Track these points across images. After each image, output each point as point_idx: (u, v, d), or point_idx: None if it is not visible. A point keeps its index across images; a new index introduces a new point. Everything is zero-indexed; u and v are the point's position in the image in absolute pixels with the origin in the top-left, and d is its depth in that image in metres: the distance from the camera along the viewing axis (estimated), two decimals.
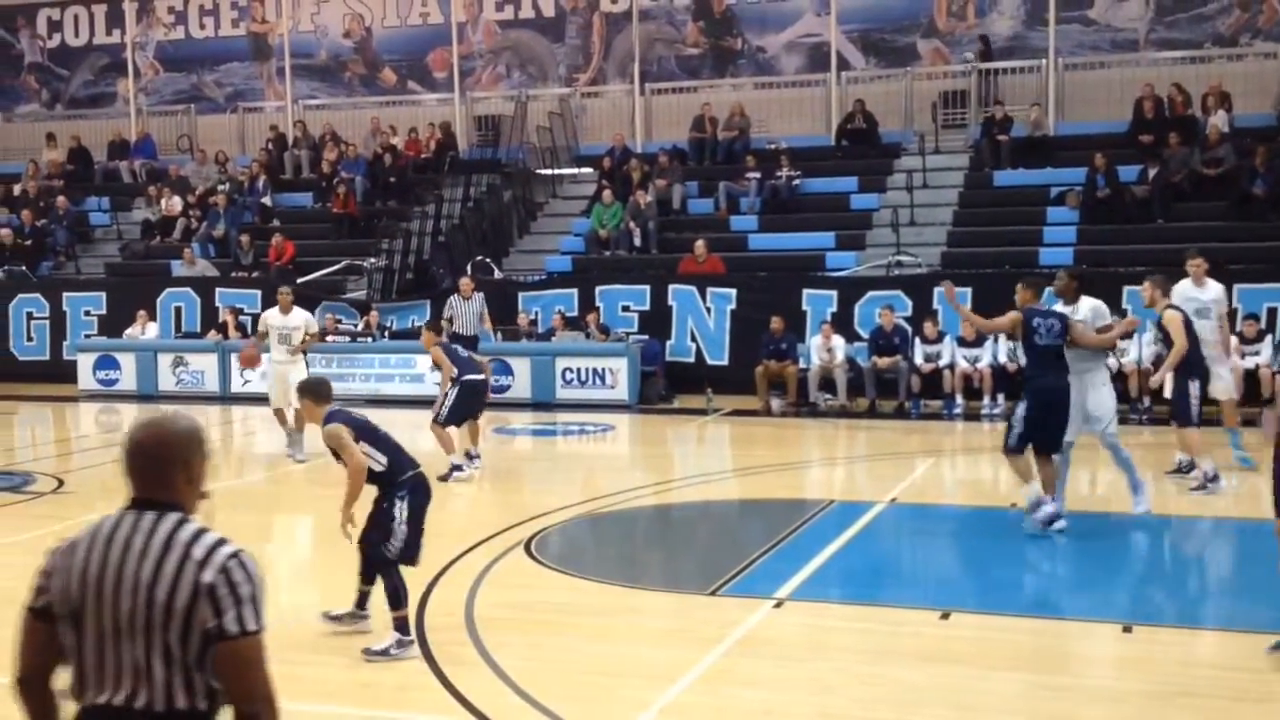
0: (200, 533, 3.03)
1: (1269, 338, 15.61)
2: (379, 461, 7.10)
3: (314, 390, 7.49)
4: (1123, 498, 10.18)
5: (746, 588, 8.14)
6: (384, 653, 6.81)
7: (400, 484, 7.08)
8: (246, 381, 19.21)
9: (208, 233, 23.15)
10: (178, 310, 21.05)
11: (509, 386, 17.74)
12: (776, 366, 17.12)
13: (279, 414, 13.76)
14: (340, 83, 27.27)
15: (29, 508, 11.14)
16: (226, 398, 19.15)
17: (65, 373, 20.20)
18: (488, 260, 21.22)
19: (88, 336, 20.88)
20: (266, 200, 24.09)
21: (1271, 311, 16.04)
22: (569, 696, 6.24)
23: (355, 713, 6.23)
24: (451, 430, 12.44)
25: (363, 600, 7.31)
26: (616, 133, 24.11)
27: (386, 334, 19.51)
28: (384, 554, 7.00)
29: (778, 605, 7.67)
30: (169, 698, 2.98)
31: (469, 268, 20.20)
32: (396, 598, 6.92)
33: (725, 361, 18.32)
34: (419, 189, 23.55)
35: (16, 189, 25.30)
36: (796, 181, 21.58)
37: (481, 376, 12.69)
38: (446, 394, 12.31)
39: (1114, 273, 17.14)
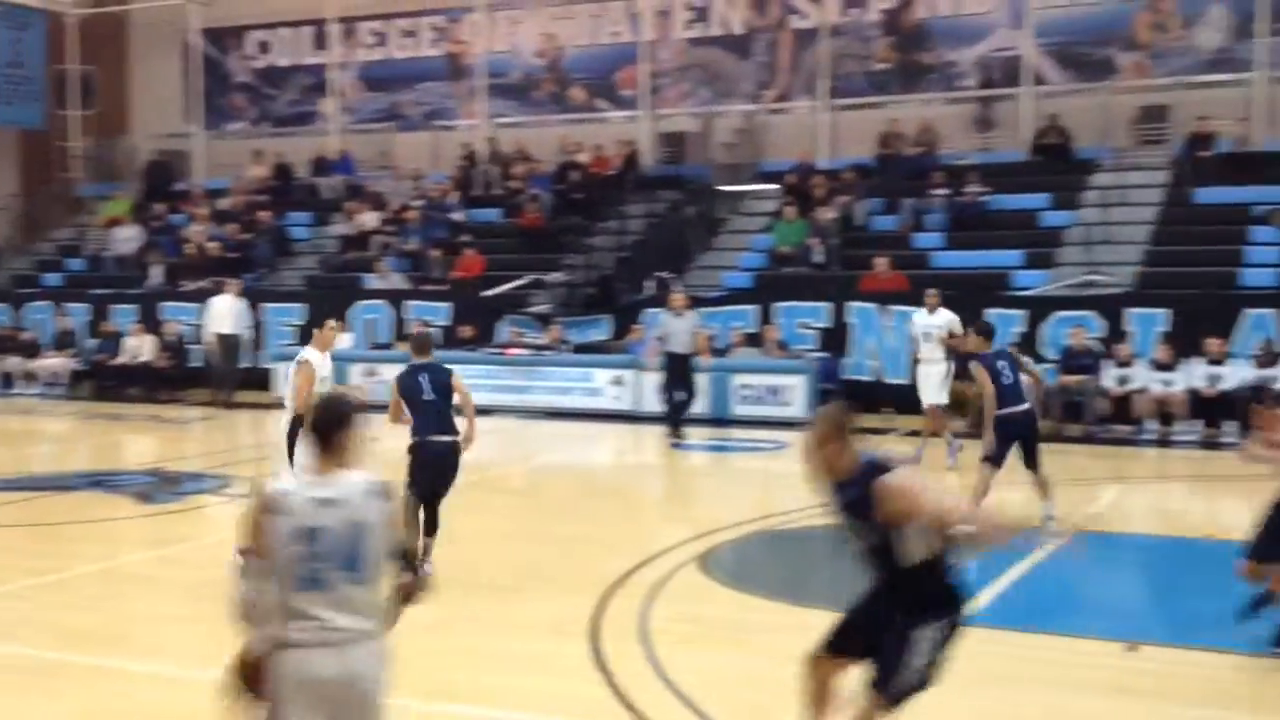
0: None
1: None
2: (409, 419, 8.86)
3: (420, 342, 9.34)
4: None
5: None
6: None
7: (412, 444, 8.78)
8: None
9: (400, 247, 23.96)
10: (370, 322, 21.85)
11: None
12: (961, 386, 16.74)
13: None
14: (531, 101, 27.89)
15: (235, 509, 11.70)
16: None
17: (263, 380, 21.13)
18: (668, 276, 21.38)
19: (286, 346, 21.83)
20: (458, 215, 24.80)
21: None
22: (744, 715, 6.25)
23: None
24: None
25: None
26: (802, 149, 24.03)
27: (568, 347, 19.84)
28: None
29: None
30: None
31: (653, 284, 20.38)
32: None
33: (906, 380, 18.03)
34: (604, 205, 23.91)
35: (224, 204, 26.64)
36: (985, 198, 21.14)
37: (1024, 407, 10.52)
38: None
39: None
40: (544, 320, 20.62)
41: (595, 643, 7.31)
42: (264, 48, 29.96)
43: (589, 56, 27.29)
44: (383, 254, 23.71)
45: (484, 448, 16.40)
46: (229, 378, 20.99)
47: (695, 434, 16.78)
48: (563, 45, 27.43)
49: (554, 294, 21.73)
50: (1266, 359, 15.64)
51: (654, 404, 18.25)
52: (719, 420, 17.61)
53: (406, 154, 27.74)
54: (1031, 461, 10.48)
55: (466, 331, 20.57)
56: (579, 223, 23.72)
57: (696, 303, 19.80)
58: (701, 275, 22.12)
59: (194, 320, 22.34)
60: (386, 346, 21.15)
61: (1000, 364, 10.57)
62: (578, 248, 22.69)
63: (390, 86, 28.91)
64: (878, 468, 4.80)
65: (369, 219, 24.82)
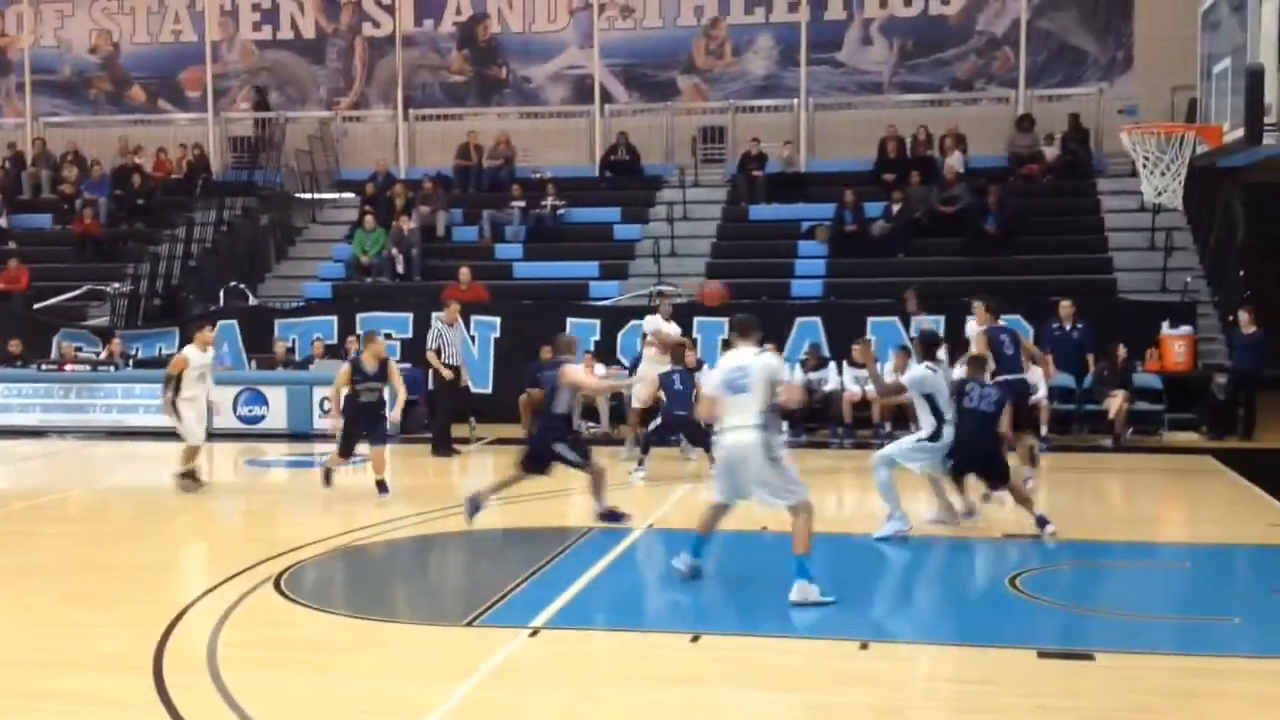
0: None
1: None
2: None
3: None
4: (861, 520, 10.68)
5: (502, 617, 8.11)
6: None
7: None
8: None
9: None
10: None
11: (263, 417, 17.24)
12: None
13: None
14: (85, 100, 26.05)
15: None
16: None
17: None
18: (242, 286, 20.59)
19: None
20: (1, 222, 22.73)
21: None
22: None
23: None
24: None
25: None
26: (379, 158, 23.82)
27: (130, 362, 18.64)
28: None
29: (533, 634, 7.68)
30: None
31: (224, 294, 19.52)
32: None
33: (489, 390, 18.26)
34: (169, 211, 22.67)
35: None
36: (561, 211, 21.78)
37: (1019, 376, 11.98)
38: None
39: (858, 304, 17.93)
40: (103, 334, 19.26)
41: (159, 676, 6.89)
42: None
43: (149, 54, 25.87)
44: None
45: (37, 473, 15.18)
46: None
47: (274, 450, 16.23)
48: (118, 42, 25.83)
49: (114, 306, 20.38)
50: (815, 363, 17.03)
51: (229, 419, 17.48)
52: (299, 435, 17.10)
53: None
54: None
55: (15, 347, 18.86)
56: (141, 230, 22.37)
57: (271, 314, 19.23)
58: (279, 285, 21.50)
59: None
60: None
61: (1002, 337, 11.96)
62: (141, 256, 21.38)
63: None
64: None
65: None
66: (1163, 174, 13.75)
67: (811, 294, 19.33)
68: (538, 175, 22.70)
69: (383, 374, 12.71)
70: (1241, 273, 18.70)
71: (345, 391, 12.56)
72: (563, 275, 20.54)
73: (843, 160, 22.73)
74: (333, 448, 13.08)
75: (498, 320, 18.49)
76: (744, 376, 8.35)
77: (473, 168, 23.47)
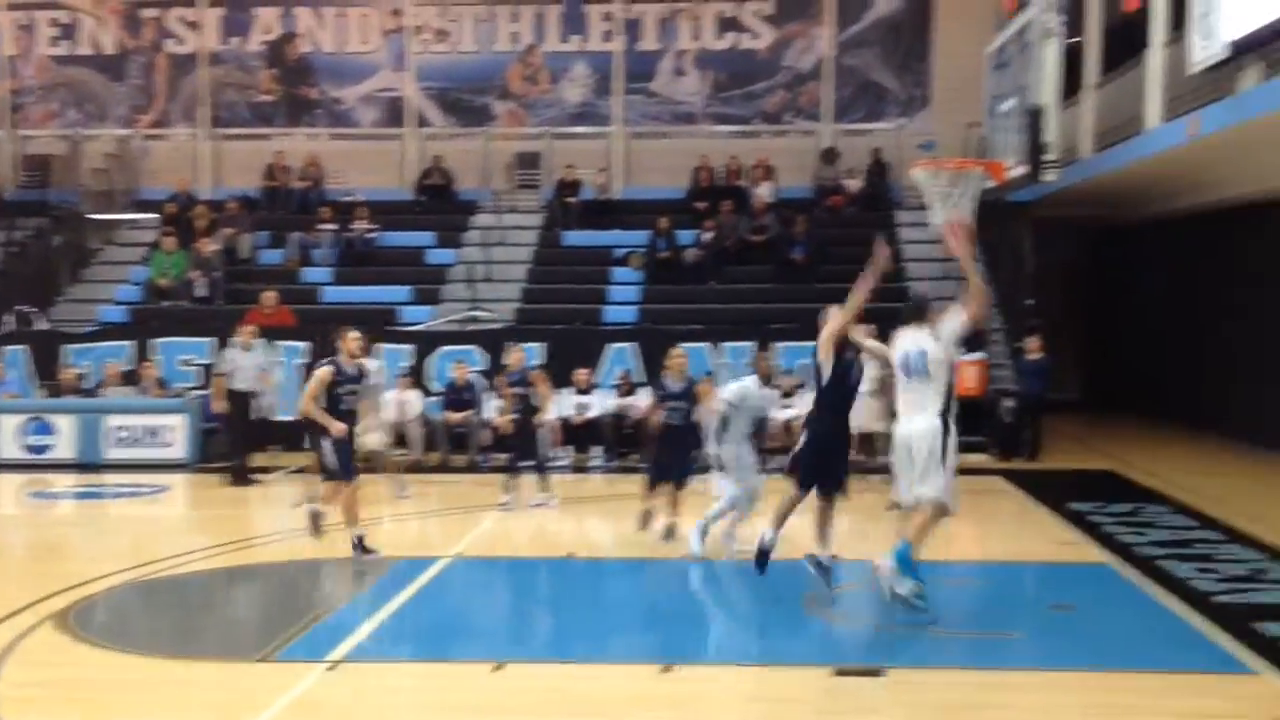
0: None
1: (801, 391, 17.00)
2: None
3: None
4: (664, 546, 10.80)
5: (299, 651, 7.90)
6: None
7: None
8: None
9: None
10: None
11: (51, 447, 16.46)
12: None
13: None
14: None
15: None
16: None
17: None
18: (30, 310, 19.66)
19: None
20: None
21: (806, 368, 17.48)
22: None
23: None
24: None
25: None
26: (182, 177, 23.09)
27: None
28: None
29: (331, 668, 7.50)
30: None
31: (13, 318, 18.59)
32: None
33: (296, 417, 17.78)
34: None
35: None
36: (373, 234, 21.46)
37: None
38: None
39: (672, 330, 18.17)
40: None
41: None
42: None
43: None
44: None
45: None
46: None
47: (62, 481, 15.49)
48: None
49: None
50: (626, 389, 17.16)
51: (13, 450, 16.62)
52: (89, 465, 16.37)
53: None
54: None
55: None
56: None
57: (64, 339, 18.41)
58: (71, 309, 20.60)
59: None
60: None
61: None
62: None
63: None
64: None
65: None
66: (953, 208, 14.35)
67: (625, 319, 19.49)
68: (349, 198, 22.33)
69: (360, 375, 10.82)
70: (1030, 301, 19.63)
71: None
72: (373, 299, 20.20)
73: (656, 188, 23.03)
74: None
75: (305, 345, 18.04)
76: (923, 358, 7.88)
77: (280, 189, 22.95)
